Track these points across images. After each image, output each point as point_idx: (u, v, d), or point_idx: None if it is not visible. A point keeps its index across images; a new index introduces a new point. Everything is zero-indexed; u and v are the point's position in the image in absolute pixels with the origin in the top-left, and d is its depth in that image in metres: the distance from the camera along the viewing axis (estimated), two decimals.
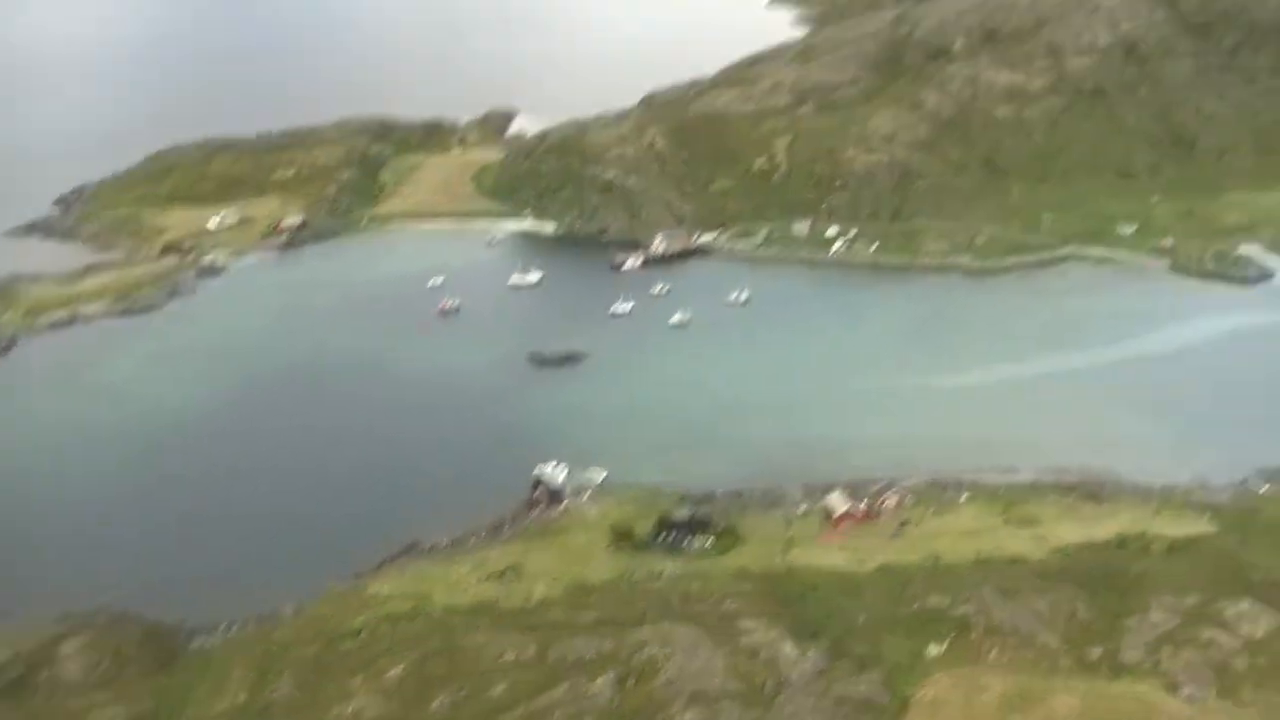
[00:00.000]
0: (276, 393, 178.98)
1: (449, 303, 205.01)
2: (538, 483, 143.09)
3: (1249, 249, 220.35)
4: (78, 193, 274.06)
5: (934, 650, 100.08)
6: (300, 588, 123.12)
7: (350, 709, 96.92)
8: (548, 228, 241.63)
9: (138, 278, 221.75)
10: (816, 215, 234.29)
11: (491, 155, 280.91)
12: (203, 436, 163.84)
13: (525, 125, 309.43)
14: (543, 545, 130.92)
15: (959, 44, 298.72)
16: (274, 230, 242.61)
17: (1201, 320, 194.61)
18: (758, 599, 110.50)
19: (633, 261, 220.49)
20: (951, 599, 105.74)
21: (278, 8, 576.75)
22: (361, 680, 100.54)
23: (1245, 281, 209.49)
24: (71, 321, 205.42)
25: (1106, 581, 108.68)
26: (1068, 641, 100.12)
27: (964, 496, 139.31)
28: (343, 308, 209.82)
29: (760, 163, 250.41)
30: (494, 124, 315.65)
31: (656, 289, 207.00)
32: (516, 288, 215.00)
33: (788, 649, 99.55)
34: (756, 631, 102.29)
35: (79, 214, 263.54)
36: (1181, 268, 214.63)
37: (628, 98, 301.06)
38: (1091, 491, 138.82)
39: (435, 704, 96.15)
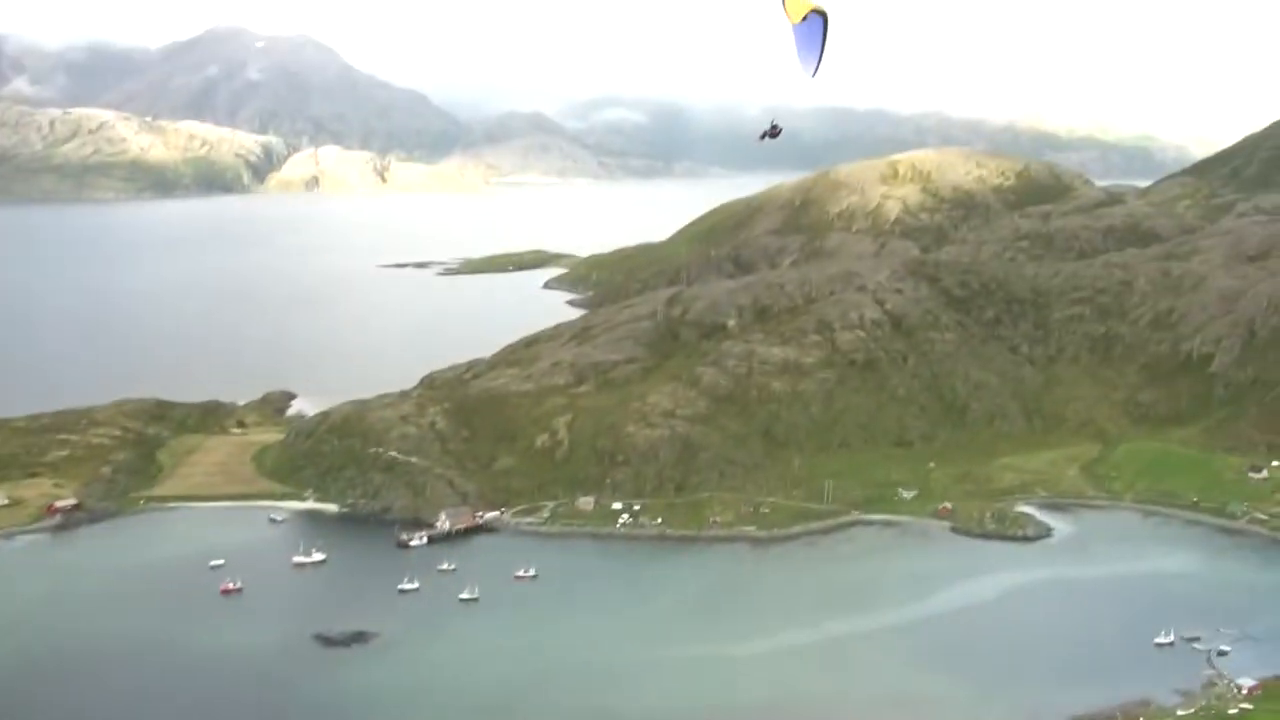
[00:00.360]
0: (41, 682, 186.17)
1: (231, 584, 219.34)
2: None
3: (1026, 508, 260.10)
4: None
5: None
6: None
7: None
8: (331, 507, 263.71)
9: None
10: (601, 490, 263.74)
11: (271, 436, 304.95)
12: None
13: (304, 406, 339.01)
14: None
15: (732, 322, 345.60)
16: (46, 512, 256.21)
17: (987, 578, 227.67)
18: None
19: (419, 539, 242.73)
20: None
21: (51, 289, 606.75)
22: None
23: (1025, 539, 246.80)
24: None
25: None
26: None
27: None
28: (119, 591, 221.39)
29: (542, 440, 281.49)
30: (273, 405, 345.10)
31: (444, 566, 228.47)
32: (301, 567, 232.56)
33: None
34: None
35: None
36: (963, 529, 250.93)
37: (407, 378, 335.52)
38: None
39: None
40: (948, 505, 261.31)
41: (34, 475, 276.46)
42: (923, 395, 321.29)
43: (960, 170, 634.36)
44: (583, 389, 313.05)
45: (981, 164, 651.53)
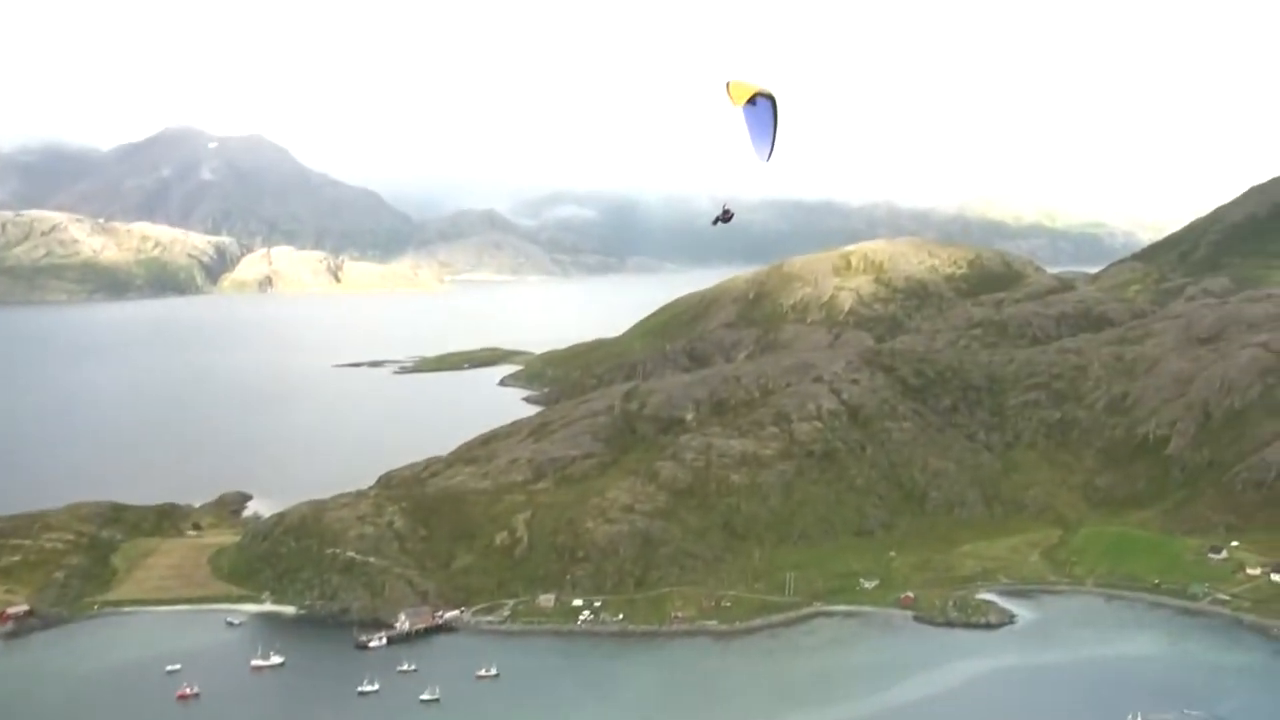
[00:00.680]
0: None
1: (188, 689, 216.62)
2: None
3: (988, 595, 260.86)
4: None
5: None
6: None
7: None
8: (289, 609, 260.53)
9: None
10: (561, 587, 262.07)
11: (227, 538, 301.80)
12: None
13: (261, 508, 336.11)
14: None
15: (690, 415, 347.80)
16: None
17: (951, 666, 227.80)
18: None
19: (378, 640, 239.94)
20: None
21: (2, 391, 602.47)
22: None
23: (989, 627, 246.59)
24: None
25: None
26: None
27: None
28: (74, 698, 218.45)
29: (501, 538, 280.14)
30: (229, 506, 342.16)
31: (404, 667, 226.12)
32: (259, 670, 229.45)
33: None
34: None
35: None
36: (926, 618, 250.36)
37: (364, 478, 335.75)
38: None
39: None
40: (910, 594, 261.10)
41: None
42: (881, 484, 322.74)
43: (912, 260, 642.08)
44: (541, 485, 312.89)
45: (933, 253, 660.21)
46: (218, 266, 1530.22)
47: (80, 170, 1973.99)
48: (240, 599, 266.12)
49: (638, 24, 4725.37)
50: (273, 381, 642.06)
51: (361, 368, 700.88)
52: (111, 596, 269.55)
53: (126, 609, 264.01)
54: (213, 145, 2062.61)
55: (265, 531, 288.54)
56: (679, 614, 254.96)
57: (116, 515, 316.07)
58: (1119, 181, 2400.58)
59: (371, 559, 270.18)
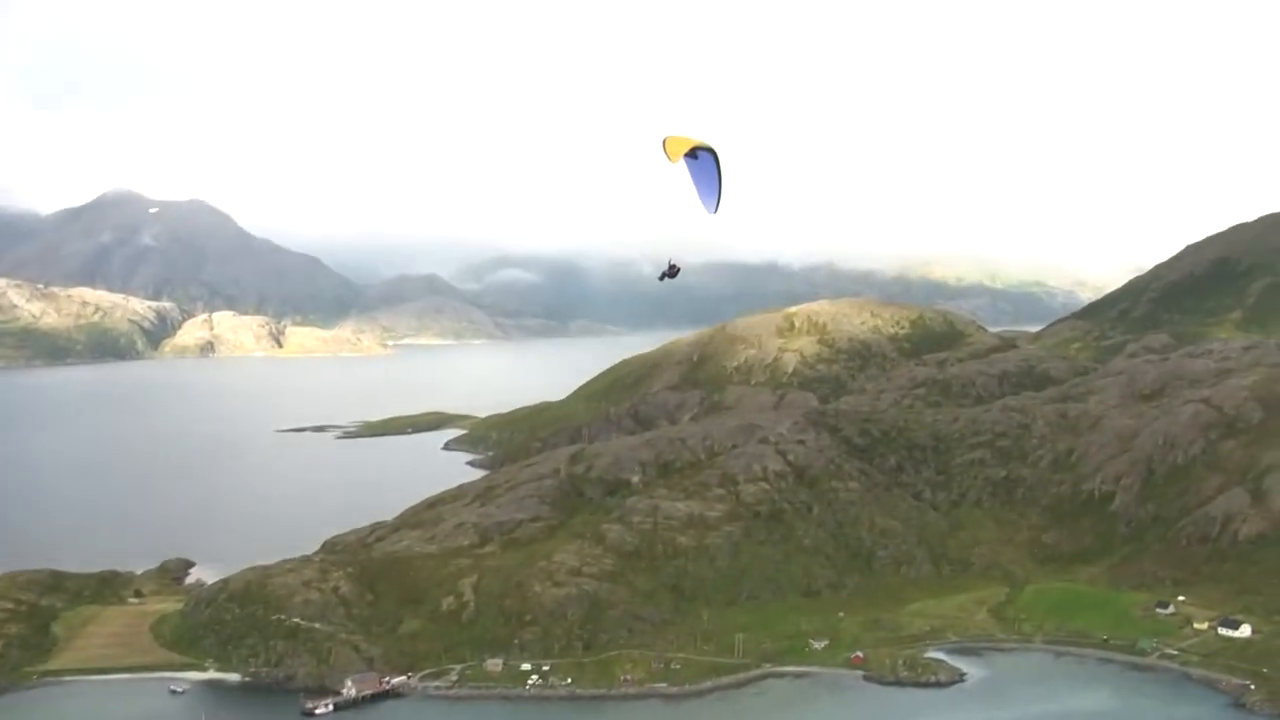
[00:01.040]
0: None
1: None
2: None
3: (937, 654, 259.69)
4: None
5: None
6: None
7: None
8: (233, 677, 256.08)
9: None
10: (509, 651, 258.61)
11: (170, 605, 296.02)
12: None
13: (203, 574, 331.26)
14: None
15: (636, 478, 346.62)
16: None
17: None
18: None
19: (325, 707, 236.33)
20: None
21: None
22: None
23: (939, 685, 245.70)
24: None
25: None
26: None
27: None
28: None
29: (448, 602, 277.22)
30: (171, 573, 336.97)
31: None
32: None
33: None
34: None
35: None
36: (876, 677, 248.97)
37: (309, 543, 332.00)
38: None
39: None
40: (860, 654, 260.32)
41: None
42: (829, 544, 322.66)
43: (855, 320, 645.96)
44: (488, 549, 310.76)
45: (876, 313, 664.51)
46: (159, 331, 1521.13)
47: (19, 235, 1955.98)
48: (184, 667, 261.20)
49: (578, 90, 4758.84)
50: (215, 447, 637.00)
51: (305, 432, 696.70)
52: (52, 665, 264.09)
53: (67, 678, 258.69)
54: (153, 210, 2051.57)
55: (209, 598, 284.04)
56: (628, 677, 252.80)
57: (56, 583, 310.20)
58: (1058, 242, 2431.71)
59: (317, 625, 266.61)
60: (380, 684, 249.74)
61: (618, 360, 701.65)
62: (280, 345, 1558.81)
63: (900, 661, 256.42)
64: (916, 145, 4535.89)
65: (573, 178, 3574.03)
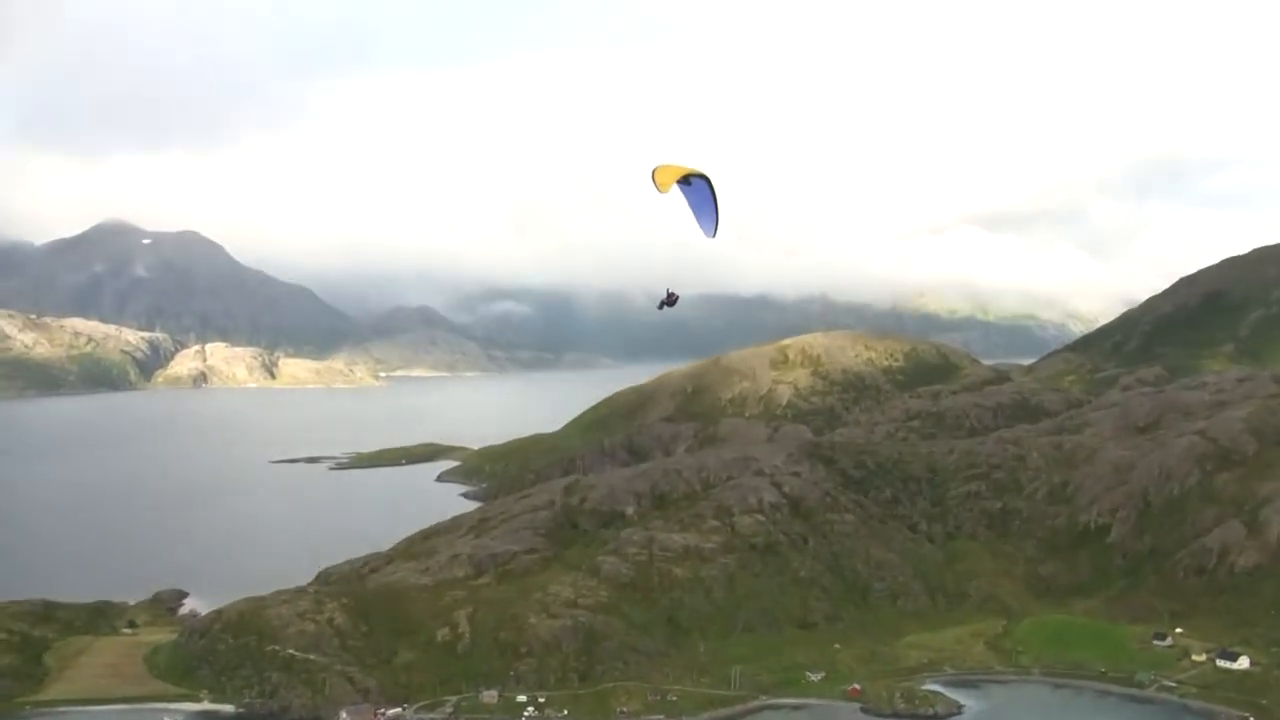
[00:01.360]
0: None
1: None
2: None
3: (933, 686, 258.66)
4: None
5: None
6: None
7: None
8: (227, 708, 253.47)
9: None
10: (504, 683, 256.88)
11: (163, 636, 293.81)
12: None
13: (197, 605, 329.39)
14: None
15: (631, 509, 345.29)
16: None
17: None
18: None
19: None
20: None
21: None
22: None
23: (936, 718, 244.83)
24: None
25: None
26: None
27: None
28: None
29: (443, 634, 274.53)
30: (164, 604, 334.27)
31: None
32: None
33: None
34: None
35: None
36: (873, 709, 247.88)
37: (302, 574, 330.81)
38: None
39: None
40: (857, 686, 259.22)
41: None
42: (825, 576, 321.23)
43: (849, 353, 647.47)
44: (483, 581, 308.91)
45: (870, 346, 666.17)
46: (151, 362, 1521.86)
47: (11, 266, 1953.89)
48: (178, 698, 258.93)
49: (571, 124, 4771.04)
50: (208, 477, 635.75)
51: (298, 463, 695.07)
52: (44, 696, 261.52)
53: (60, 709, 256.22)
54: (146, 241, 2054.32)
55: (203, 629, 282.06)
56: (624, 709, 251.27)
57: (49, 613, 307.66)
58: (1049, 275, 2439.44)
59: (312, 656, 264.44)
60: (375, 716, 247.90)
61: (610, 392, 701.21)
62: (273, 376, 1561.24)
63: (897, 694, 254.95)
64: (907, 179, 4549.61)
65: (565, 210, 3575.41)
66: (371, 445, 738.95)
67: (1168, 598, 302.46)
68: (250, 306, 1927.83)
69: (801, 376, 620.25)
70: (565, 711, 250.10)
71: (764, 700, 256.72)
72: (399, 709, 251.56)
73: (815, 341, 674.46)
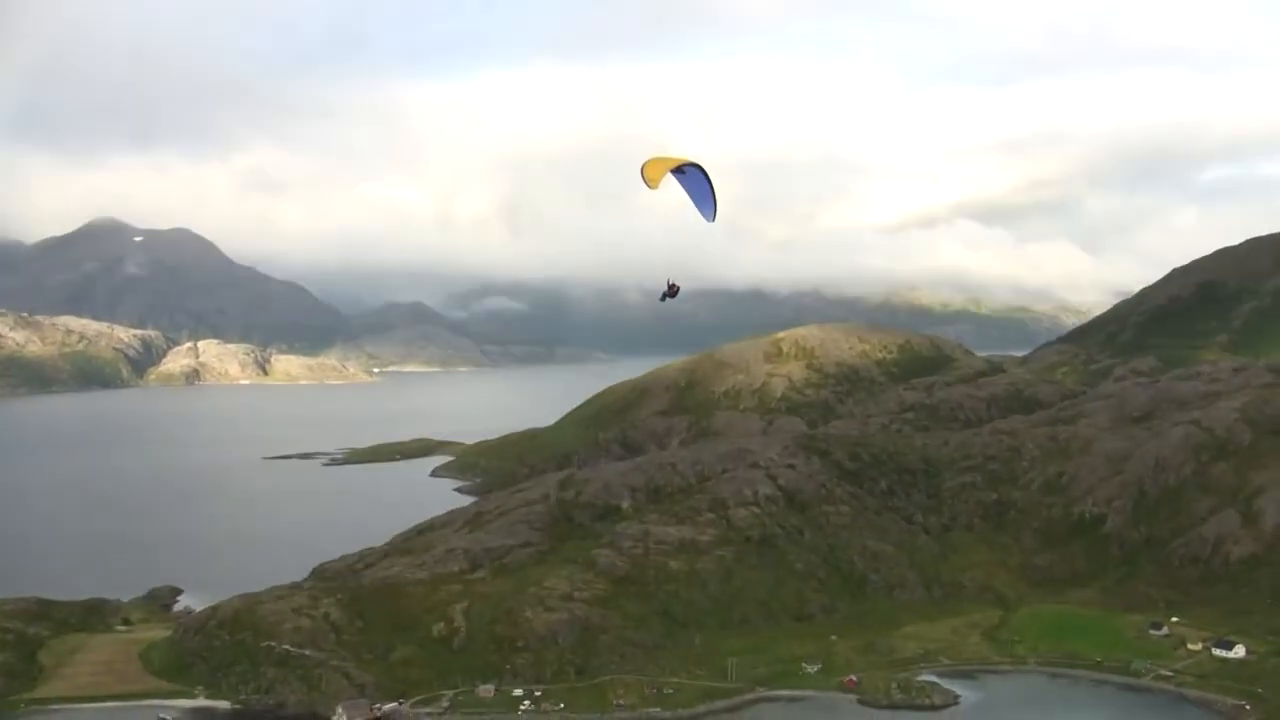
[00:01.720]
0: None
1: None
2: None
3: (930, 677, 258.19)
4: None
5: None
6: None
7: None
8: (223, 704, 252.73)
9: None
10: (501, 677, 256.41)
11: (158, 633, 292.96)
12: None
13: (192, 601, 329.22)
14: None
15: (626, 503, 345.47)
16: None
17: None
18: None
19: None
20: None
21: None
22: None
23: (933, 708, 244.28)
24: None
25: None
26: None
27: None
28: None
29: (439, 628, 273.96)
30: (159, 601, 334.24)
31: None
32: None
33: None
34: None
35: None
36: (870, 700, 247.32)
37: (297, 570, 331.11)
38: None
39: None
40: (853, 678, 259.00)
41: None
42: (821, 569, 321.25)
43: (843, 346, 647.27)
44: (478, 575, 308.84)
45: (864, 339, 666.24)
46: (144, 360, 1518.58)
47: (4, 264, 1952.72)
48: (173, 694, 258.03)
49: (563, 119, 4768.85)
50: (201, 474, 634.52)
51: (291, 460, 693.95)
52: (39, 694, 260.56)
53: (54, 707, 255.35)
54: (138, 239, 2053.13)
55: (198, 625, 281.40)
56: (621, 702, 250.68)
57: (43, 611, 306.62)
58: (1041, 267, 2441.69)
59: (307, 651, 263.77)
60: (372, 711, 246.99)
61: (604, 387, 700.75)
62: (266, 373, 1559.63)
63: (894, 685, 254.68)
64: (899, 172, 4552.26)
65: (557, 206, 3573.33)
66: (365, 441, 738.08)
67: (1164, 587, 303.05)
68: (243, 303, 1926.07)
69: (795, 369, 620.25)
70: (562, 705, 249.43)
71: (760, 692, 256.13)
72: (396, 704, 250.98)
73: (809, 334, 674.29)
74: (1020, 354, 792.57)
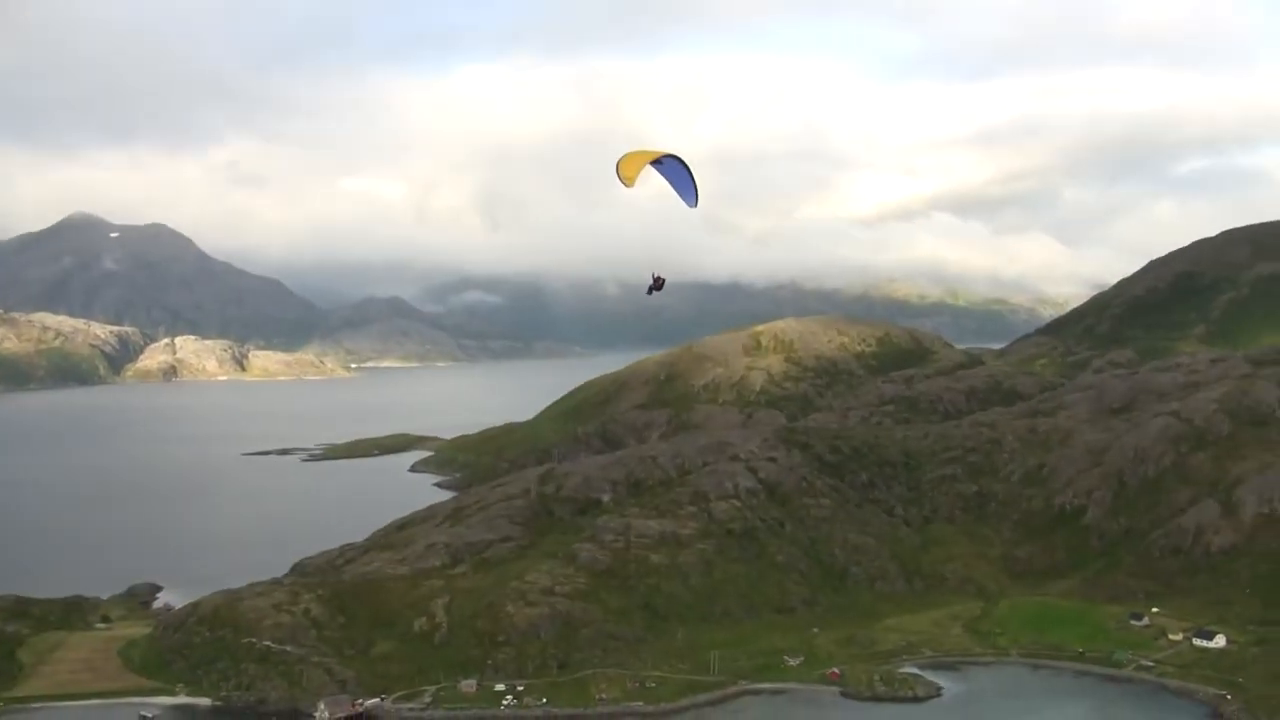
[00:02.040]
0: None
1: None
2: None
3: (912, 669, 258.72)
4: None
5: None
6: None
7: None
8: (204, 701, 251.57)
9: None
10: (483, 672, 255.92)
11: (138, 630, 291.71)
12: None
13: (171, 598, 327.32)
14: None
15: (607, 497, 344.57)
16: None
17: None
18: None
19: None
20: None
21: None
22: None
23: (916, 700, 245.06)
24: None
25: None
26: None
27: None
28: None
29: (420, 623, 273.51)
30: (138, 598, 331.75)
31: None
32: None
33: None
34: None
35: None
36: (853, 692, 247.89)
37: (277, 566, 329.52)
38: None
39: None
40: (836, 670, 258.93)
41: None
42: (802, 561, 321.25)
43: (822, 338, 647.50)
44: (459, 570, 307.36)
45: (843, 331, 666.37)
46: (121, 356, 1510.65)
47: None
48: (154, 692, 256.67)
49: (540, 113, 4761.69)
50: (179, 470, 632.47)
51: (270, 456, 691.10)
52: (18, 693, 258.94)
53: (34, 705, 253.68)
54: (114, 235, 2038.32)
55: (178, 622, 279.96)
56: (603, 696, 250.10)
57: (22, 609, 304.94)
58: (1018, 259, 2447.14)
59: (288, 647, 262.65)
60: (353, 707, 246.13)
61: (582, 381, 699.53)
62: (243, 369, 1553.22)
63: (877, 677, 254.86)
64: (875, 164, 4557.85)
65: (535, 200, 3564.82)
66: (344, 436, 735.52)
67: (1144, 578, 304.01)
68: (220, 299, 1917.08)
69: (775, 362, 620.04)
70: (544, 700, 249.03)
71: (743, 685, 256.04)
72: (377, 699, 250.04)
73: (788, 327, 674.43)
74: (998, 346, 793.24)
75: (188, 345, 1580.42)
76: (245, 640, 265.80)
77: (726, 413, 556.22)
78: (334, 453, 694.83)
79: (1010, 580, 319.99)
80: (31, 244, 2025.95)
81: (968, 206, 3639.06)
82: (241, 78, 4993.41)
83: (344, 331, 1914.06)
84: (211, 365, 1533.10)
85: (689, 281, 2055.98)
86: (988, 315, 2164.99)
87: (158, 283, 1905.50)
